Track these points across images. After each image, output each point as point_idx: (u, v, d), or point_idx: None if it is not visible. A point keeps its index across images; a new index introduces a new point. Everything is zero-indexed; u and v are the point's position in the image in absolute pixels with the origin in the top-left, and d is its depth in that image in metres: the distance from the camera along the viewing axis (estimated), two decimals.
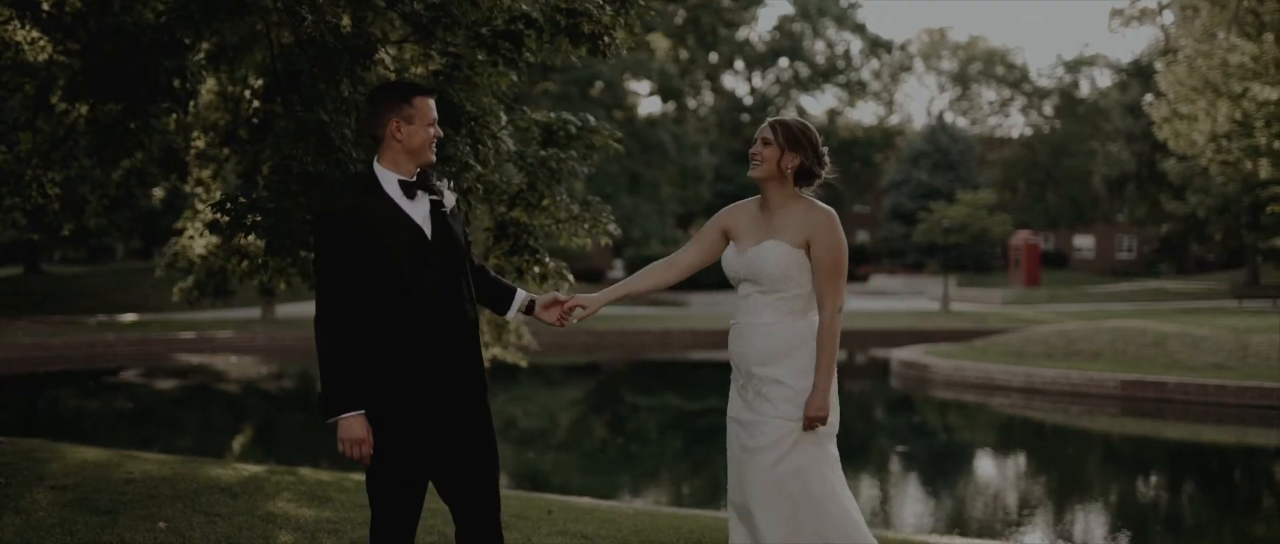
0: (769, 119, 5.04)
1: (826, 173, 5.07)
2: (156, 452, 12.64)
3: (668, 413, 25.00)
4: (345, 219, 4.52)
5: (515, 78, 8.08)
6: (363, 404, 4.51)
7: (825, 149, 5.07)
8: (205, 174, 11.66)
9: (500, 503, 4.85)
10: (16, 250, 50.40)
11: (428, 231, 4.63)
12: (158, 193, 36.60)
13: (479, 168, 7.86)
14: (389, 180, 4.62)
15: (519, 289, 5.13)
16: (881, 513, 13.87)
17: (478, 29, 7.68)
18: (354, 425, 4.49)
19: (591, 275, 52.22)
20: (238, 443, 19.33)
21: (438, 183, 4.73)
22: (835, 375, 4.95)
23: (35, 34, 9.40)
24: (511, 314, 5.13)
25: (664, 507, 12.11)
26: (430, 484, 4.79)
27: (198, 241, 11.93)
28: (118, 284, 46.23)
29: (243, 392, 27.37)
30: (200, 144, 11.23)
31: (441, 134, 4.77)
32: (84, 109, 9.28)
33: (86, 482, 8.29)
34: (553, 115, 8.74)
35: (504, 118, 8.09)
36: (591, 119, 8.68)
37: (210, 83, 11.08)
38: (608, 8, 7.50)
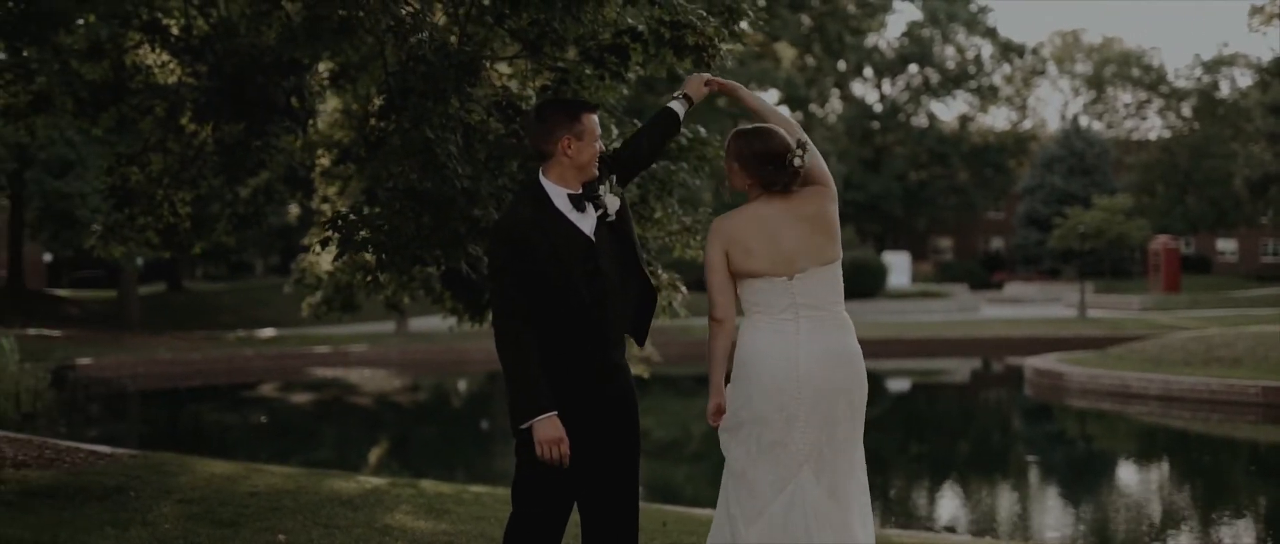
0: (733, 131, 4.97)
1: (800, 169, 4.89)
2: (290, 465, 12.89)
3: None
4: (520, 232, 4.65)
5: (624, 91, 8.11)
6: (555, 406, 4.59)
7: (796, 144, 4.87)
8: (331, 191, 11.85)
9: (639, 522, 4.88)
10: (160, 268, 51.71)
11: (596, 242, 4.75)
12: (294, 210, 37.27)
13: None
14: (557, 194, 4.75)
15: (671, 105, 5.24)
16: (1020, 522, 13.64)
17: (584, 43, 7.73)
18: (550, 426, 4.57)
19: None
20: (367, 455, 19.62)
21: (600, 192, 4.83)
22: (729, 384, 4.89)
23: (165, 57, 9.68)
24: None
25: None
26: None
27: (324, 257, 12.14)
28: (256, 300, 47.24)
29: (375, 405, 27.79)
30: (325, 161, 11.43)
31: (605, 148, 4.88)
32: (209, 129, 9.51)
33: (212, 495, 8.51)
34: None
35: (614, 130, 8.11)
36: (702, 130, 8.66)
37: (334, 102, 11.29)
38: (712, 20, 7.49)
